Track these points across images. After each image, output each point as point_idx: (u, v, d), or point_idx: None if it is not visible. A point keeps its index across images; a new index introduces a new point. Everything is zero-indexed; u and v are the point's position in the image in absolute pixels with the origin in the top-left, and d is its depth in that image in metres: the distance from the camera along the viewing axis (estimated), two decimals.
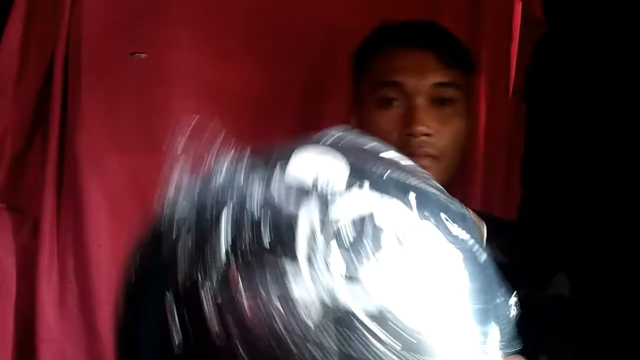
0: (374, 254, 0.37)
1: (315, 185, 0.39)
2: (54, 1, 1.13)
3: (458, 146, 0.93)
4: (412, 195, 0.40)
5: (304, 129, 1.22)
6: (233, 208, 0.38)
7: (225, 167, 0.40)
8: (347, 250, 0.37)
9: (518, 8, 1.15)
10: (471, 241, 0.42)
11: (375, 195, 0.39)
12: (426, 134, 0.89)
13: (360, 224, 0.38)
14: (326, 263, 0.36)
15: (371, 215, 0.38)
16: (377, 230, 0.37)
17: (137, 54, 1.13)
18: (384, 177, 0.41)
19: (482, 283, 0.42)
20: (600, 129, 1.04)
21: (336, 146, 0.43)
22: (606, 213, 1.02)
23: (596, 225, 1.02)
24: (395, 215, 0.39)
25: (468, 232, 0.42)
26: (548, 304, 0.88)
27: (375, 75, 0.94)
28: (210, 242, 0.37)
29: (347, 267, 0.36)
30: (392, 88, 0.92)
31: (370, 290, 0.36)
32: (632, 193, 0.98)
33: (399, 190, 0.40)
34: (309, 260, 0.36)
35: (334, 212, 0.38)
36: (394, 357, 0.36)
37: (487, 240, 0.90)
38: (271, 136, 1.17)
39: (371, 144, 0.47)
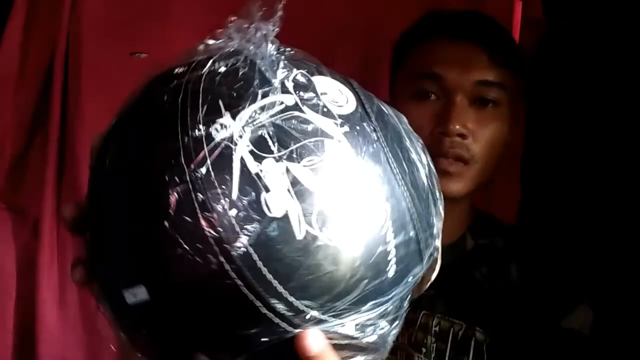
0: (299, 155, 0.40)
1: (319, 92, 0.44)
2: (54, 1, 1.12)
3: (493, 154, 0.84)
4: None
5: None
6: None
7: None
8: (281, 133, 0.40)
9: (518, 8, 1.15)
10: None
11: (344, 140, 0.42)
12: (461, 135, 0.81)
13: (312, 133, 0.41)
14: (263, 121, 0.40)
15: (325, 136, 0.42)
16: (315, 147, 0.41)
17: (137, 54, 1.13)
18: (378, 141, 0.44)
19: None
20: (601, 129, 1.04)
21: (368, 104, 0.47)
22: (607, 213, 1.02)
23: (597, 226, 1.02)
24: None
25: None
26: (565, 339, 0.81)
27: (415, 65, 0.86)
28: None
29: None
30: (431, 81, 0.83)
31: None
32: (632, 193, 0.98)
33: (376, 160, 0.44)
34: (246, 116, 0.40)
35: (306, 114, 0.42)
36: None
37: (511, 258, 0.87)
38: None
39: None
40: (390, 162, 0.44)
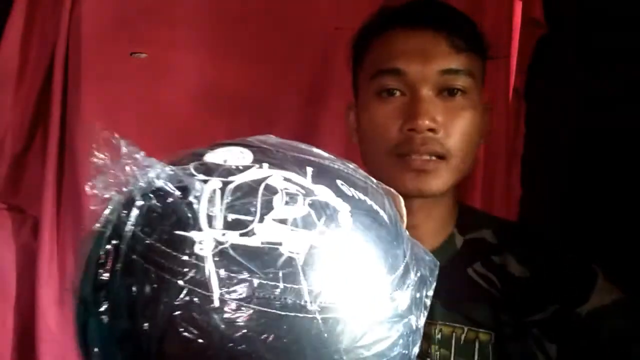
0: (263, 210, 0.42)
1: (222, 164, 0.45)
2: (54, 1, 1.13)
3: (469, 145, 0.80)
4: (308, 169, 0.46)
5: (304, 129, 1.22)
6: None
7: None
8: (239, 205, 0.42)
9: (518, 8, 1.15)
10: (370, 202, 0.48)
11: (273, 170, 0.45)
12: (431, 129, 0.76)
13: (255, 186, 0.43)
14: (220, 212, 0.42)
15: (264, 180, 0.44)
16: (270, 191, 0.43)
17: (137, 54, 1.13)
18: (284, 158, 0.47)
19: (379, 238, 0.46)
20: (600, 129, 1.04)
21: (250, 143, 0.49)
22: (607, 213, 1.02)
23: (597, 226, 1.02)
24: (288, 181, 0.44)
25: (367, 195, 0.48)
26: (589, 320, 0.76)
27: (374, 62, 0.81)
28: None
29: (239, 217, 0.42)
30: (393, 76, 0.78)
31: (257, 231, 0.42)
32: (632, 193, 0.98)
33: (297, 165, 0.46)
34: (208, 211, 0.42)
35: (236, 179, 0.44)
36: (262, 281, 0.40)
37: (502, 252, 0.83)
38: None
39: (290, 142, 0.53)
40: (325, 164, 0.48)
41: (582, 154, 1.06)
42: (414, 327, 0.46)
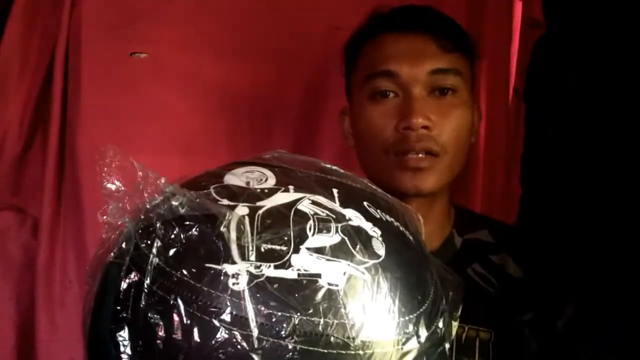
0: (297, 239, 0.40)
1: (245, 187, 0.43)
2: (54, 1, 1.13)
3: (462, 140, 0.83)
4: (334, 190, 0.44)
5: (304, 129, 1.22)
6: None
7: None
8: (272, 234, 0.40)
9: (518, 8, 1.15)
10: (396, 223, 0.46)
11: (300, 193, 0.43)
12: (425, 127, 0.79)
13: (285, 212, 0.41)
14: (252, 242, 0.39)
15: (294, 205, 0.42)
16: (301, 216, 0.41)
17: (137, 54, 1.13)
18: (308, 179, 0.45)
19: (411, 263, 0.44)
20: (600, 129, 1.04)
21: (267, 161, 0.47)
22: (606, 213, 1.02)
23: (596, 226, 1.02)
24: (318, 205, 0.42)
25: (392, 216, 0.46)
26: (566, 327, 0.81)
27: (366, 66, 0.85)
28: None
29: (272, 247, 0.39)
30: (385, 78, 0.82)
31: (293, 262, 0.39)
32: (631, 192, 0.98)
33: (322, 187, 0.44)
34: (238, 241, 0.39)
35: (264, 205, 0.41)
36: (301, 317, 0.37)
37: (500, 252, 0.86)
38: (271, 136, 1.17)
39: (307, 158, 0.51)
40: (348, 184, 0.47)
41: (582, 154, 1.07)
42: (446, 353, 0.45)
